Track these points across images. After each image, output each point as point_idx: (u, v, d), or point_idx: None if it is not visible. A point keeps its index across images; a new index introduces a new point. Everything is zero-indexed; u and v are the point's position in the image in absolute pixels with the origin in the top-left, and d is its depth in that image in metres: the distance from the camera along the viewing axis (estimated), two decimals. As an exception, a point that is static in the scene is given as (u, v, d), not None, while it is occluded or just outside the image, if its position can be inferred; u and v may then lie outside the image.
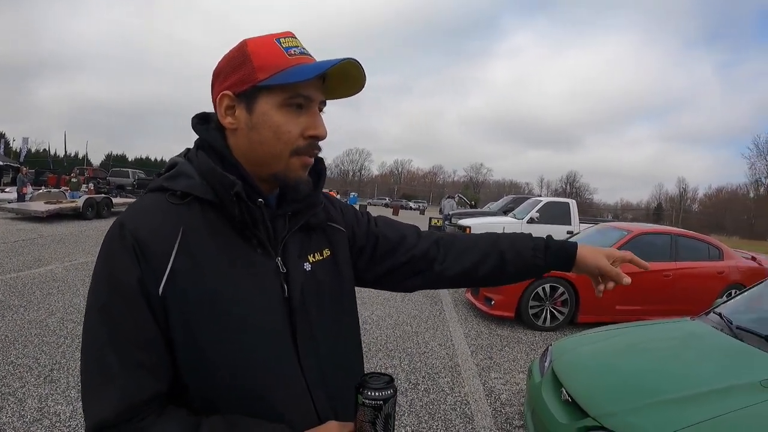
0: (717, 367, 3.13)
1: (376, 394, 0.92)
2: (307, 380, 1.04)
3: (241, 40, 1.04)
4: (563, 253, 1.36)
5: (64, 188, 23.92)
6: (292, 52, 1.01)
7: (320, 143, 1.07)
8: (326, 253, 1.17)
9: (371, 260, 1.32)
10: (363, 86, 1.09)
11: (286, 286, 1.04)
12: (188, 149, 1.10)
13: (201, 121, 1.10)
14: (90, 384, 0.91)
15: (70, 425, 3.66)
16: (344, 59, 0.99)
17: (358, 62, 1.02)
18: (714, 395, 2.64)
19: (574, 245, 1.37)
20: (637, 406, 2.68)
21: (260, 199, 1.01)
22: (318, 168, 1.16)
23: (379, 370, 1.32)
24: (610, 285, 1.34)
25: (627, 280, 1.31)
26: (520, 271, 1.39)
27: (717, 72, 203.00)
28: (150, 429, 0.89)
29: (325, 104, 1.08)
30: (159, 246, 0.93)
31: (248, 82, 0.99)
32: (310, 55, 1.04)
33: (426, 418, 4.17)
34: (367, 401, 0.92)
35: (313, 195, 1.12)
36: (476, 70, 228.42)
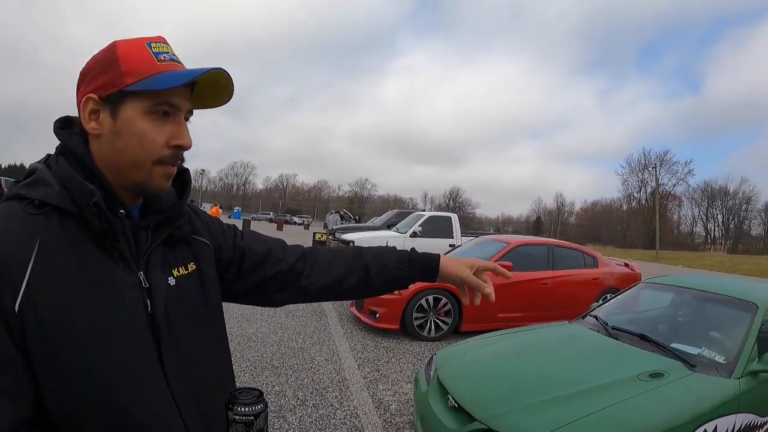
0: (596, 365, 3.34)
1: (247, 409, 0.92)
2: (176, 398, 0.99)
3: (110, 41, 1.00)
4: (426, 265, 1.40)
5: None
6: (162, 58, 0.98)
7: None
8: (191, 267, 1.13)
9: (238, 274, 1.29)
10: (231, 96, 1.08)
11: (149, 302, 0.99)
12: (49, 155, 1.03)
13: (63, 125, 1.03)
14: None
15: None
16: (214, 68, 0.99)
17: (227, 72, 1.02)
18: (596, 391, 2.83)
19: (437, 257, 1.41)
20: (522, 406, 2.79)
21: (122, 211, 0.97)
22: (183, 179, 1.13)
23: (249, 385, 1.29)
24: (477, 300, 1.40)
25: (488, 290, 1.36)
26: (386, 283, 1.41)
27: (594, 98, 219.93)
28: None
29: (191, 113, 1.06)
30: (14, 259, 0.86)
31: (114, 86, 0.95)
32: (180, 63, 1.02)
33: (315, 433, 4.11)
34: (237, 417, 0.91)
35: (177, 206, 1.10)
36: (365, 86, 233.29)
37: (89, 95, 0.96)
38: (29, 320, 0.85)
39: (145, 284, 1.00)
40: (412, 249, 1.45)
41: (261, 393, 0.94)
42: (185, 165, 1.12)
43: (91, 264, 0.93)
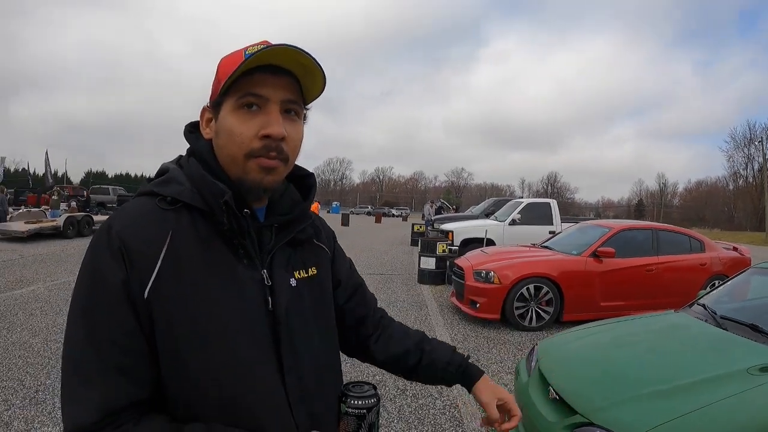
0: (703, 357, 3.15)
1: (360, 402, 0.93)
2: (288, 394, 1.03)
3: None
4: (468, 377, 1.37)
5: (44, 207, 23.60)
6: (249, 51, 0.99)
7: (300, 155, 1.09)
8: (312, 271, 1.17)
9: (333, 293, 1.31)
10: (320, 74, 1.03)
11: (270, 299, 1.04)
12: (180, 156, 1.12)
13: (193, 129, 1.12)
14: (68, 387, 0.90)
15: (56, 446, 3.61)
16: (274, 45, 0.97)
17: (297, 47, 0.98)
18: (702, 385, 2.66)
19: (480, 375, 1.37)
20: (624, 399, 2.69)
21: (246, 210, 1.02)
22: (308, 183, 1.18)
23: (362, 379, 1.31)
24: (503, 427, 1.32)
25: (505, 426, 1.30)
26: (427, 378, 1.40)
27: (694, 70, 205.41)
28: None
29: (299, 105, 1.06)
30: (146, 249, 0.93)
31: (215, 93, 1.03)
32: None
33: (415, 423, 4.16)
34: (350, 410, 0.93)
35: (300, 209, 1.14)
36: (457, 75, 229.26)
37: (205, 106, 1.08)
38: (156, 308, 0.92)
39: (268, 282, 1.05)
40: (468, 357, 1.42)
41: (374, 387, 0.96)
42: (309, 170, 1.20)
43: (217, 259, 0.99)
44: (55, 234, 17.21)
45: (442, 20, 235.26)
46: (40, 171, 54.10)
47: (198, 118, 1.12)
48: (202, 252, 0.98)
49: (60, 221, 17.72)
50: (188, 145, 1.12)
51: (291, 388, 1.04)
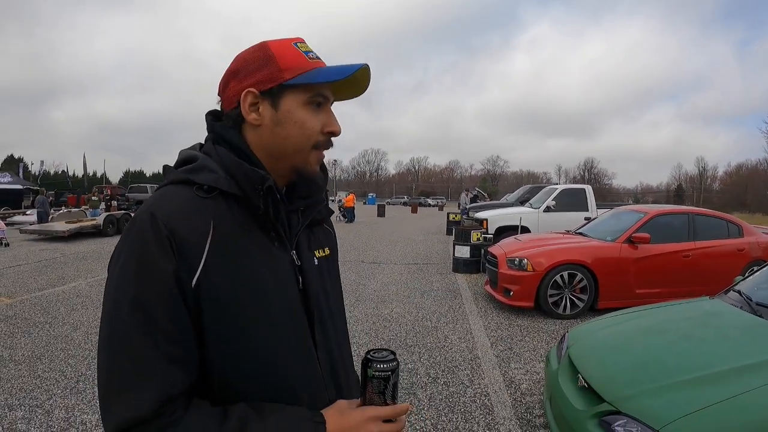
0: (736, 345, 3.05)
1: (384, 365, 1.00)
2: (322, 369, 1.10)
3: (258, 42, 1.09)
4: None
5: (84, 207, 24.29)
6: (311, 56, 1.07)
7: (335, 145, 1.14)
8: (326, 251, 1.24)
9: None
10: (365, 89, 1.15)
11: (300, 279, 1.09)
12: (201, 144, 1.13)
13: (215, 118, 1.13)
14: (119, 380, 0.89)
15: (95, 435, 3.74)
16: (363, 64, 1.06)
17: (369, 68, 1.08)
18: (734, 373, 2.58)
19: None
20: (653, 388, 2.64)
21: (277, 195, 1.05)
22: (321, 168, 1.21)
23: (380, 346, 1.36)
24: None
25: None
26: None
27: (733, 49, 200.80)
28: (180, 422, 0.89)
29: (332, 103, 1.13)
30: (193, 238, 0.95)
31: (274, 80, 1.03)
32: (322, 60, 1.09)
33: (446, 411, 4.17)
34: (376, 374, 0.99)
35: (320, 191, 1.18)
36: (491, 63, 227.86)
37: (249, 89, 1.03)
38: (204, 295, 0.94)
39: (298, 262, 1.10)
40: None
41: (393, 352, 1.04)
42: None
43: (256, 243, 1.03)
44: (94, 233, 17.76)
45: (476, 7, 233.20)
46: (79, 173, 55.68)
47: (215, 107, 1.14)
48: (242, 237, 1.01)
49: (99, 220, 18.33)
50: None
51: (323, 363, 1.11)
